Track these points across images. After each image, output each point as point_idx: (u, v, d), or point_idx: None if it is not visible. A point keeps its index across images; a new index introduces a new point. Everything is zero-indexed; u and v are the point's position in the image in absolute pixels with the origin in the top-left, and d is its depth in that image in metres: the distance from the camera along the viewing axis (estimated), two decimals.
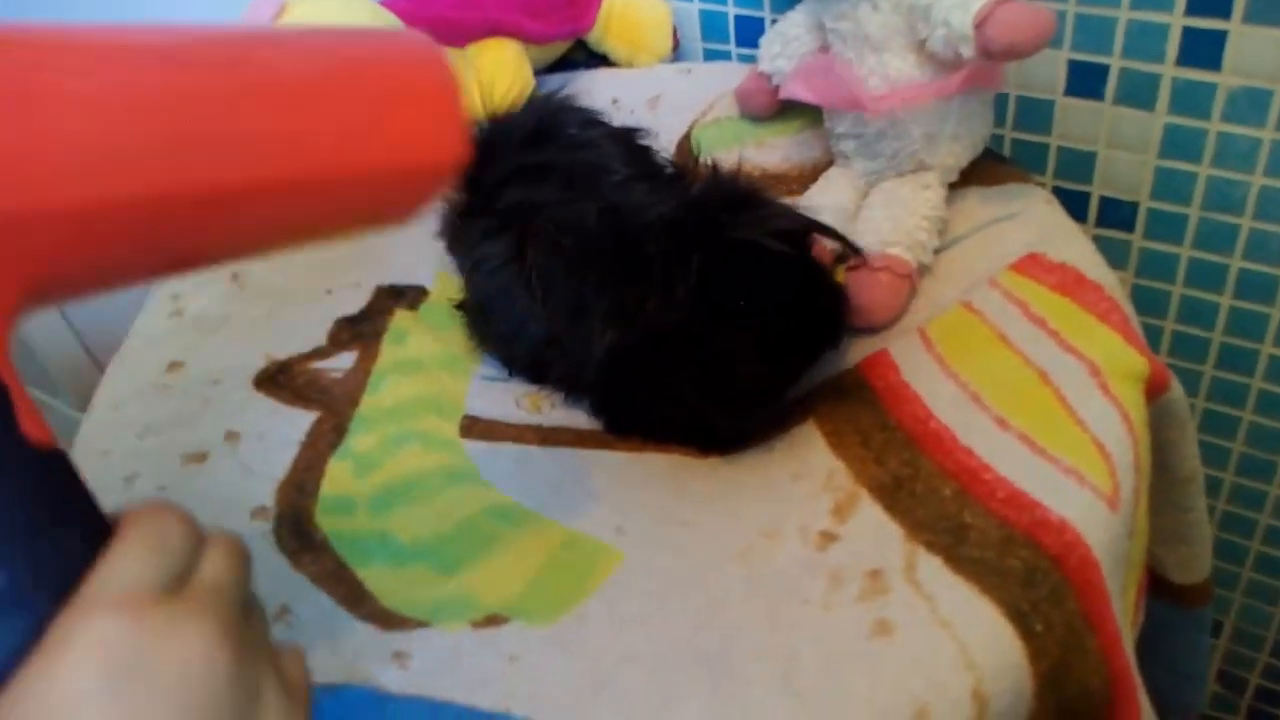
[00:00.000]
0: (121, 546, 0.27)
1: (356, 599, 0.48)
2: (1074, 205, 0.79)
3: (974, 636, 0.43)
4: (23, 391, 0.27)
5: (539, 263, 0.56)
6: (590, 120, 0.62)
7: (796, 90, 0.70)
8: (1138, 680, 0.49)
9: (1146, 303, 0.81)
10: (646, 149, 0.63)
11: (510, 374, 0.64)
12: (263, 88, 0.31)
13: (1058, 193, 0.80)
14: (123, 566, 0.27)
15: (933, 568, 0.46)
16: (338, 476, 0.56)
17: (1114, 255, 0.80)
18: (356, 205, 0.35)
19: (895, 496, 0.50)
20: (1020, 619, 0.43)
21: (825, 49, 0.71)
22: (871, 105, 0.64)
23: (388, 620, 0.47)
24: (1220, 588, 0.93)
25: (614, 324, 0.54)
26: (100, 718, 0.25)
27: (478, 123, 0.62)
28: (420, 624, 0.47)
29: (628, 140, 0.62)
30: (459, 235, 0.64)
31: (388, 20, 0.77)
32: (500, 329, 0.62)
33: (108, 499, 0.30)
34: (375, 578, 0.50)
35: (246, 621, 0.30)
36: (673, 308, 0.51)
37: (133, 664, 0.26)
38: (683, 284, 0.51)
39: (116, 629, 0.26)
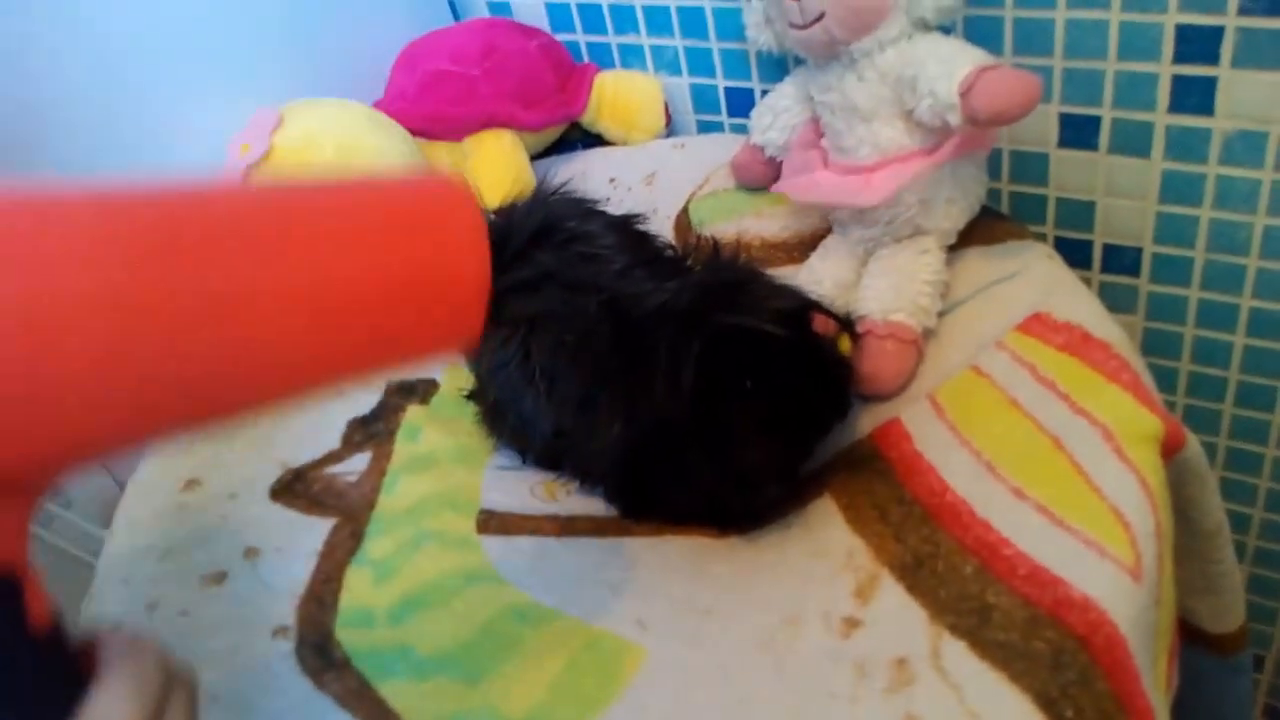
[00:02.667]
0: (108, 697, 0.29)
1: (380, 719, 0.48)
2: (1077, 253, 0.79)
3: None
4: (34, 580, 0.28)
5: (542, 360, 0.56)
6: (588, 211, 0.62)
7: (790, 192, 0.71)
8: None
9: (1159, 345, 0.81)
10: (644, 234, 0.63)
11: (524, 462, 0.64)
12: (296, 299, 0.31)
13: (1059, 241, 0.80)
14: (109, 714, 0.29)
15: (958, 653, 0.45)
16: (356, 586, 0.56)
17: (1122, 300, 0.80)
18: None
19: (916, 576, 0.50)
20: (1050, 706, 0.42)
21: (815, 119, 0.71)
22: (865, 199, 0.64)
23: None
24: (1259, 623, 0.91)
25: (620, 414, 0.54)
26: None
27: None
28: None
29: (626, 227, 0.63)
30: None
31: (385, 125, 0.78)
32: (513, 425, 0.62)
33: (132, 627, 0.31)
34: (398, 694, 0.49)
35: None
36: (677, 394, 0.51)
37: None
38: (686, 370, 0.51)
39: None
